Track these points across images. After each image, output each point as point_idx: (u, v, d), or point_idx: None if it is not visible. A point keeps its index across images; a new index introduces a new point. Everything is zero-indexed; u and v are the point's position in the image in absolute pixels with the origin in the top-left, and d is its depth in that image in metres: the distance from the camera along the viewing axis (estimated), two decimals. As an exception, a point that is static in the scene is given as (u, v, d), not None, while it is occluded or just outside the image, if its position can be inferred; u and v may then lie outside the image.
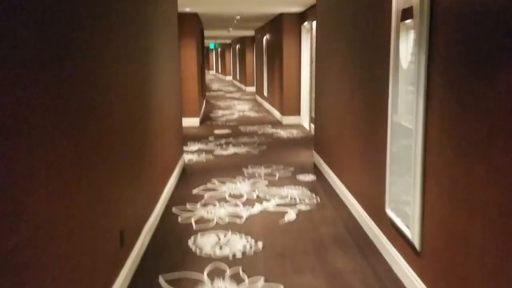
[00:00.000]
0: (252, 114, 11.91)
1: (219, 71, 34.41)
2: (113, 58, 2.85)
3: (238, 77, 23.72)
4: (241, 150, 7.20)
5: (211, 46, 34.47)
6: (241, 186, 5.19)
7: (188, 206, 4.54)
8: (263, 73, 13.60)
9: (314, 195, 4.85)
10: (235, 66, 24.96)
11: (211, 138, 8.25)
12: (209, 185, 5.26)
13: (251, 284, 2.96)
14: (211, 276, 3.06)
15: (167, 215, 4.30)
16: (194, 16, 9.66)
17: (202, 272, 3.11)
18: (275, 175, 5.64)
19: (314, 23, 8.01)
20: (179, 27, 9.66)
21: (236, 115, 11.66)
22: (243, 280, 3.00)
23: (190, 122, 9.84)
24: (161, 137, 4.64)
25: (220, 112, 12.30)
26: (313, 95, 8.20)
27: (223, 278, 3.03)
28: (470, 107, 2.14)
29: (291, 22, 9.71)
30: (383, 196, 3.34)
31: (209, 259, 3.33)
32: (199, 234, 3.79)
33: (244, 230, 3.89)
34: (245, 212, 4.34)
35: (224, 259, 3.32)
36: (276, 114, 11.07)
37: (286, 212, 4.32)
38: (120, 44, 3.01)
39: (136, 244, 3.29)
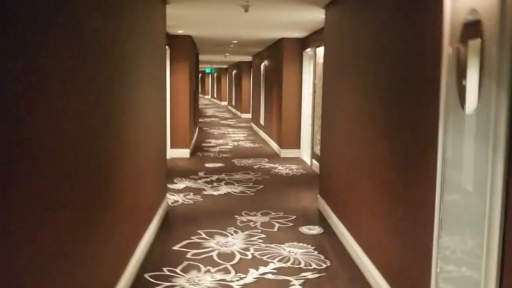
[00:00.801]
0: (248, 144, 11.07)
1: (215, 96, 33.77)
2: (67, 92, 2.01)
3: (233, 103, 23.01)
4: (235, 189, 6.32)
5: (207, 71, 33.96)
6: (233, 241, 4.30)
7: (166, 271, 3.63)
8: (260, 101, 12.84)
9: (322, 257, 3.95)
10: (231, 92, 24.28)
11: (201, 174, 7.37)
12: (194, 239, 4.36)
13: None
14: None
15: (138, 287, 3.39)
16: (188, 39, 8.92)
17: None
18: (273, 226, 4.76)
19: (319, 49, 7.26)
20: (171, 50, 8.92)
21: (230, 145, 10.82)
22: None
23: (180, 153, 8.98)
24: (139, 179, 3.77)
25: (213, 142, 11.46)
26: (316, 128, 7.37)
27: None
28: None
29: (292, 47, 8.99)
30: (428, 274, 2.47)
31: None
32: (175, 318, 2.88)
33: (235, 312, 2.99)
34: (237, 282, 3.43)
35: None
36: (274, 145, 10.24)
37: (290, 283, 3.42)
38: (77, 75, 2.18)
39: None
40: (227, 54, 14.44)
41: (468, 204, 2.13)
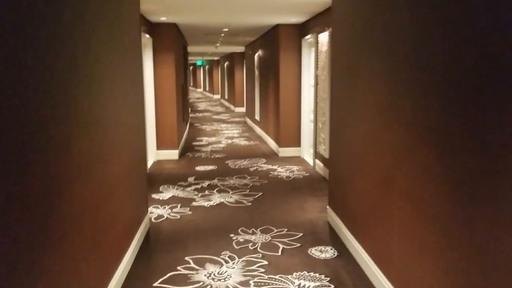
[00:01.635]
0: (242, 142, 10.22)
1: (207, 89, 32.82)
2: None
3: (226, 97, 22.11)
4: (229, 199, 5.48)
5: (199, 63, 32.99)
6: (229, 272, 3.46)
7: (141, 323, 2.79)
8: (255, 94, 11.97)
9: (341, 294, 3.14)
10: (224, 85, 23.36)
11: (191, 179, 6.52)
12: (180, 269, 3.52)
13: None
14: None
15: None
16: (173, 28, 8.02)
17: None
18: (277, 248, 3.93)
19: (322, 36, 6.40)
20: (154, 40, 8.02)
21: (223, 144, 9.96)
22: None
23: (167, 155, 8.12)
24: (108, 200, 2.92)
25: (205, 139, 10.60)
26: (320, 125, 6.54)
27: None
28: None
29: (289, 35, 8.12)
30: None
31: None
32: None
33: None
34: None
35: None
36: (271, 143, 9.40)
37: (303, 338, 2.61)
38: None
39: None
40: (218, 44, 13.53)
41: None
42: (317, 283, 3.28)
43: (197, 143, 10.09)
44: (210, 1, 5.86)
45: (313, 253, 3.83)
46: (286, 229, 4.40)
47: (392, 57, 2.95)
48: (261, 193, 5.72)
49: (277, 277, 3.38)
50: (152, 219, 4.74)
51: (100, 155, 2.87)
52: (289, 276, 3.38)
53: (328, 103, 6.16)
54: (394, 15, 2.93)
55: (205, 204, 5.29)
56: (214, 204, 5.29)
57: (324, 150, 6.29)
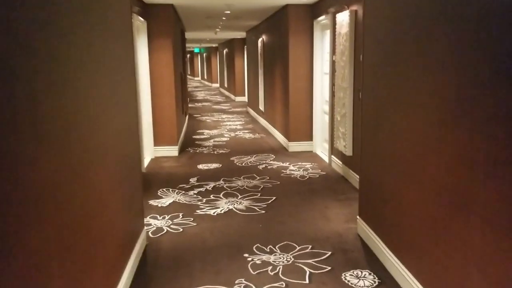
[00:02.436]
0: (247, 135, 9.46)
1: (205, 77, 31.95)
2: None
3: (226, 85, 21.29)
4: (239, 205, 4.75)
5: (196, 50, 32.09)
6: (247, 312, 2.75)
7: None
8: (258, 83, 11.19)
9: None
10: (223, 73, 22.52)
11: (193, 180, 5.78)
12: (185, 307, 2.80)
13: None
14: None
15: None
16: (169, 10, 7.20)
17: None
18: (303, 274, 3.20)
19: (341, 15, 5.61)
20: (148, 24, 7.22)
21: (226, 137, 9.20)
22: None
23: (166, 152, 7.37)
24: (93, 220, 2.18)
25: (206, 132, 9.84)
26: (338, 118, 5.78)
27: None
28: None
29: (299, 16, 7.32)
30: None
31: None
32: None
33: None
34: None
35: None
36: (279, 136, 8.64)
37: None
38: None
39: None
40: (218, 29, 12.70)
41: None
42: (362, 327, 2.56)
43: (198, 136, 9.33)
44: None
45: (348, 280, 3.11)
46: (310, 246, 3.67)
47: (471, 32, 2.19)
48: (274, 198, 4.98)
49: (308, 317, 2.66)
50: (150, 234, 4.01)
51: (77, 167, 2.12)
52: (324, 316, 2.67)
53: (349, 93, 5.40)
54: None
55: (211, 212, 4.56)
56: (222, 212, 4.56)
57: (344, 146, 5.55)
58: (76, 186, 2.11)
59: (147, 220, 4.36)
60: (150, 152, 7.21)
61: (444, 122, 2.42)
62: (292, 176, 5.91)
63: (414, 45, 2.80)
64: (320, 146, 7.34)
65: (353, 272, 3.22)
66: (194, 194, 5.18)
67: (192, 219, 4.38)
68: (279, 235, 3.90)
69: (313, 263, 3.38)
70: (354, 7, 5.29)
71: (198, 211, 4.58)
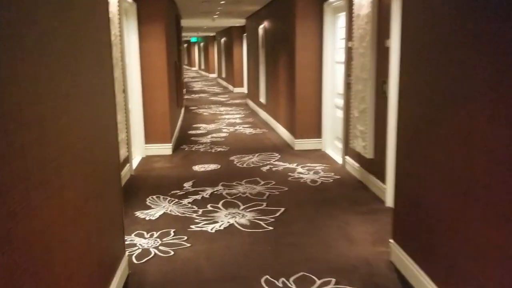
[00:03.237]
0: (247, 130, 8.68)
1: (202, 67, 31.07)
2: None
3: (224, 76, 20.46)
4: (241, 218, 3.99)
5: (193, 40, 31.21)
6: None
7: None
8: (259, 74, 10.39)
9: None
10: (220, 63, 21.67)
11: (187, 185, 5.02)
12: None
13: None
14: None
15: None
16: (162, -10, 6.39)
17: None
18: (329, 324, 2.46)
19: (359, -6, 4.81)
20: (139, 7, 6.40)
21: (225, 132, 8.43)
22: None
23: (158, 150, 6.59)
24: (52, 254, 1.42)
25: (203, 127, 9.05)
26: (356, 115, 5.02)
27: None
28: None
29: (307, 0, 6.51)
30: None
31: None
32: None
33: None
34: None
35: None
36: (283, 132, 7.87)
37: None
38: None
39: None
40: (216, 16, 11.86)
41: None
42: None
43: (194, 131, 8.55)
44: None
45: (389, 333, 2.37)
46: (333, 280, 2.91)
47: None
48: (283, 209, 4.22)
49: None
50: (134, 259, 3.25)
51: (22, 188, 1.35)
52: None
53: (370, 85, 4.63)
54: None
55: (209, 228, 3.80)
56: (221, 228, 3.80)
57: (363, 147, 4.78)
58: (22, 217, 1.34)
59: (132, 238, 3.60)
60: (140, 150, 6.43)
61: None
62: (302, 180, 5.15)
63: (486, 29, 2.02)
64: (330, 144, 6.57)
65: (393, 321, 2.48)
66: (189, 203, 4.42)
67: (186, 237, 3.61)
68: (293, 263, 3.15)
69: (340, 305, 2.63)
70: (377, -16, 4.50)
71: (193, 227, 3.82)
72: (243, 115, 10.75)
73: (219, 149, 6.91)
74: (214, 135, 8.16)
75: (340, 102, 6.03)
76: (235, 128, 8.91)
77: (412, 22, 2.87)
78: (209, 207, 4.29)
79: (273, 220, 3.95)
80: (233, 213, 4.12)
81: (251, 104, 12.28)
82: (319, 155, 6.37)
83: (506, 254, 1.91)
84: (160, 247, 3.44)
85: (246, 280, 2.93)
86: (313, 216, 4.04)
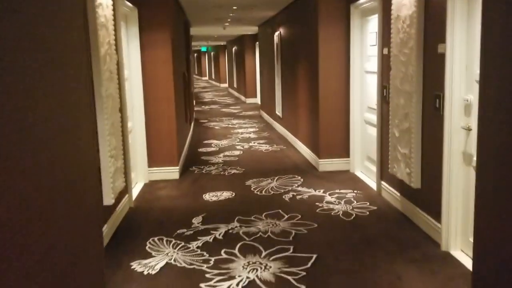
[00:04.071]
0: (263, 146, 7.88)
1: (213, 77, 30.44)
2: None
3: (235, 85, 19.74)
4: (263, 272, 3.17)
5: (203, 49, 30.65)
6: None
7: None
8: (275, 84, 9.61)
9: None
10: (231, 73, 20.98)
11: (196, 221, 4.22)
12: None
13: None
14: None
15: None
16: (167, -6, 5.65)
17: None
18: None
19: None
20: (140, 11, 5.65)
21: (238, 149, 7.64)
22: None
23: (164, 174, 5.81)
24: None
25: (214, 143, 8.28)
26: (397, 134, 4.20)
27: None
28: None
29: (331, 1, 5.73)
30: None
31: None
32: None
33: None
34: None
35: None
36: (303, 150, 7.06)
37: None
38: None
39: None
40: (227, 23, 11.14)
41: None
42: None
43: (204, 149, 7.77)
44: None
45: None
46: None
47: None
48: (315, 256, 3.40)
49: None
50: (124, 339, 2.46)
51: None
52: None
53: (416, 100, 3.81)
54: None
55: (224, 286, 2.99)
56: (239, 287, 2.99)
57: (408, 175, 3.94)
58: None
59: (125, 303, 2.81)
60: (143, 175, 5.66)
61: None
62: (333, 213, 4.32)
63: None
64: (359, 165, 5.74)
65: None
66: (198, 247, 3.62)
67: (194, 301, 2.81)
68: None
69: None
70: (423, -23, 3.70)
71: (203, 286, 3.01)
72: (258, 129, 9.96)
73: (233, 171, 6.11)
74: (226, 153, 7.38)
75: (372, 117, 5.21)
76: (250, 144, 8.12)
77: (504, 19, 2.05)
78: (223, 253, 3.49)
79: (304, 274, 3.13)
80: (253, 263, 3.31)
81: (265, 116, 11.50)
82: (347, 178, 5.54)
83: None
84: (160, 318, 2.65)
85: None
86: (354, 267, 3.21)
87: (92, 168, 2.16)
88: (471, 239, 3.07)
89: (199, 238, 3.81)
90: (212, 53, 29.70)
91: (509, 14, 2.06)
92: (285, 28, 8.32)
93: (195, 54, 35.00)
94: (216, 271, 3.19)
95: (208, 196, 5.00)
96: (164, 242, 3.75)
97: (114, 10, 4.21)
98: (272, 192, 5.06)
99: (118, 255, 3.49)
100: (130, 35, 5.42)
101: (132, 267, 3.30)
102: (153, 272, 3.21)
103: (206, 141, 8.54)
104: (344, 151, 5.90)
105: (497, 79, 2.04)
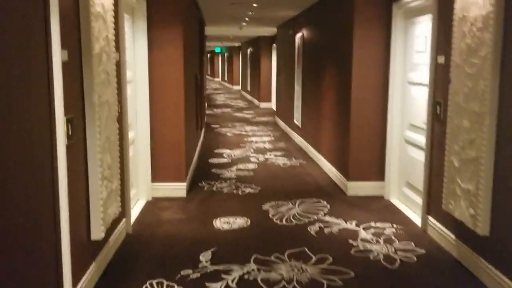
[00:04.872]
0: (280, 159, 7.10)
1: (226, 79, 29.75)
2: None
3: (249, 88, 19.01)
4: None
5: (217, 50, 30.02)
6: None
7: None
8: (294, 90, 8.84)
9: None
10: (245, 75, 20.25)
11: (204, 259, 3.44)
12: None
13: None
14: None
15: None
16: (181, -15, 4.91)
17: None
18: None
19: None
20: (149, 4, 4.92)
21: (253, 162, 6.87)
22: None
23: (169, 191, 5.05)
24: None
25: (226, 153, 7.53)
26: (456, 163, 3.39)
27: None
28: None
29: (368, 1, 4.95)
30: None
31: None
32: None
33: None
34: None
35: None
36: (327, 167, 6.28)
37: None
38: None
39: None
40: (244, 23, 10.40)
41: None
42: None
43: (215, 160, 7.02)
44: None
45: None
46: None
47: None
48: (356, 322, 2.62)
49: None
50: None
51: None
52: None
53: (489, 124, 3.02)
54: None
55: None
56: None
57: (471, 216, 3.14)
58: None
59: None
60: (146, 191, 4.92)
61: None
62: (372, 257, 3.52)
63: None
64: (396, 191, 4.95)
65: None
66: (206, 299, 2.86)
67: None
68: None
69: None
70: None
71: None
72: (273, 138, 9.19)
73: (247, 190, 5.35)
74: (240, 166, 6.61)
75: (417, 138, 4.42)
76: (265, 156, 7.35)
77: None
78: (237, 311, 2.72)
79: None
80: (278, 331, 2.54)
81: (281, 123, 10.73)
82: (382, 207, 4.74)
83: None
84: None
85: None
86: None
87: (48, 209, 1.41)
88: None
89: (207, 284, 3.04)
90: (226, 54, 29.03)
91: None
92: (310, 29, 7.55)
93: (208, 55, 34.38)
94: None
95: (219, 223, 4.24)
96: (164, 286, 2.99)
97: (115, -1, 3.47)
98: (294, 222, 4.29)
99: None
100: (136, 31, 4.69)
101: (120, 330, 2.55)
102: None
103: (217, 150, 7.78)
104: (377, 173, 5.10)
105: None
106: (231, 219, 4.34)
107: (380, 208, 4.69)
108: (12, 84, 1.89)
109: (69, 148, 2.50)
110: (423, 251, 3.63)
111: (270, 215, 4.47)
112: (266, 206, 4.75)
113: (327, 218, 4.39)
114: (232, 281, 3.10)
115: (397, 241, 3.83)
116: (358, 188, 5.14)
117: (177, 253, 3.57)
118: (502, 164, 2.95)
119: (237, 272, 3.23)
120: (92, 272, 2.95)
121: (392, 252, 3.60)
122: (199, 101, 7.48)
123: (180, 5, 4.87)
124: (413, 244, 3.77)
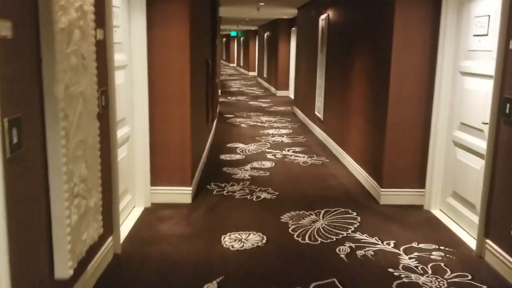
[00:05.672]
0: (300, 157, 6.33)
1: (241, 64, 28.88)
2: None
3: (265, 75, 18.16)
4: None
5: (233, 34, 29.16)
6: None
7: None
8: (316, 79, 8.01)
9: None
10: (262, 61, 19.37)
11: (209, 292, 2.76)
12: None
13: None
14: None
15: None
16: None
17: None
18: None
19: None
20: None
21: (269, 160, 6.12)
22: None
23: (171, 196, 4.31)
24: None
25: (240, 148, 6.78)
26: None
27: None
28: None
29: (412, -29, 4.11)
30: None
31: None
32: None
33: None
34: None
35: None
36: (355, 169, 5.50)
37: None
38: None
39: None
40: (262, 3, 9.56)
41: None
42: None
43: (227, 156, 6.28)
44: None
45: None
46: None
47: None
48: None
49: None
50: None
51: None
52: None
53: None
54: None
55: None
56: None
57: None
58: None
59: None
60: (143, 196, 4.20)
61: None
62: (418, 292, 2.77)
63: None
64: (439, 200, 4.16)
65: None
66: None
67: None
68: None
69: None
70: None
71: None
72: (291, 131, 8.41)
73: (262, 195, 4.61)
74: (255, 164, 5.87)
75: (471, 140, 3.62)
76: (283, 152, 6.59)
77: None
78: None
79: None
80: None
81: (300, 114, 9.93)
82: (424, 220, 3.96)
83: None
84: None
85: None
86: None
87: None
88: None
89: (209, 336, 2.33)
90: (241, 39, 28.12)
91: None
92: (337, 9, 6.70)
93: (224, 39, 33.52)
94: None
95: (229, 240, 3.51)
96: None
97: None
98: (319, 240, 3.54)
99: None
100: (132, 6, 3.93)
101: None
102: None
103: (230, 145, 7.04)
104: (417, 179, 4.31)
105: None
106: (243, 235, 3.61)
107: (421, 222, 3.91)
108: None
109: (11, 162, 1.78)
110: (483, 287, 2.86)
111: (290, 230, 3.72)
112: (285, 218, 4.00)
113: (358, 235, 3.63)
114: (242, 330, 2.38)
115: (449, 271, 3.05)
116: (393, 196, 4.35)
117: (174, 284, 2.86)
118: None
119: (248, 316, 2.51)
120: (60, 316, 2.26)
121: (443, 285, 2.83)
122: (210, 90, 6.73)
123: (186, -23, 4.09)
124: (469, 276, 2.99)
